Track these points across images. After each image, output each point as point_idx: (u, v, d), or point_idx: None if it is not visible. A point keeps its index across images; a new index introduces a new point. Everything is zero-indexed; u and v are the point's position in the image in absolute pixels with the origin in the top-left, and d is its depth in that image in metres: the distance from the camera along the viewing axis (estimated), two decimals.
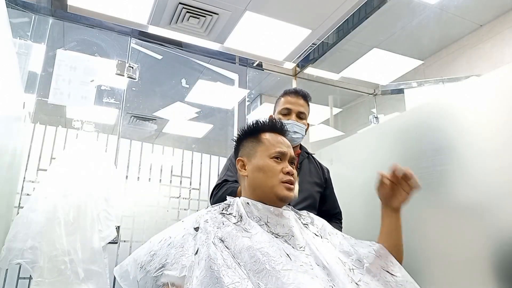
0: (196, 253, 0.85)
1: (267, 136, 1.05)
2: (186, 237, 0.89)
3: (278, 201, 0.99)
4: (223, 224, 0.92)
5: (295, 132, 1.50)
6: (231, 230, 0.90)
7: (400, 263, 0.97)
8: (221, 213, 0.97)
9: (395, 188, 1.02)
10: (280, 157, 1.01)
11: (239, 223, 0.93)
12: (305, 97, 1.55)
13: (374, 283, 0.89)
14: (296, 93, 1.54)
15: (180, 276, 0.81)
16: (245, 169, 1.04)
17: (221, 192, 1.32)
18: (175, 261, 0.84)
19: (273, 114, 1.59)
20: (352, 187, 1.79)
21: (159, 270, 0.85)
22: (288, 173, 0.99)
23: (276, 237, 0.91)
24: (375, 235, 1.05)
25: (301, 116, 1.52)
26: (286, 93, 1.56)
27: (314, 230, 1.00)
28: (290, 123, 1.48)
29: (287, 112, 1.51)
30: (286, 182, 0.98)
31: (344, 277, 0.85)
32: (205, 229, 0.89)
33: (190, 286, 0.78)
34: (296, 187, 1.05)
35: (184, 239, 0.89)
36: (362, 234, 1.11)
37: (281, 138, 1.05)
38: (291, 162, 1.03)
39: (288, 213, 1.00)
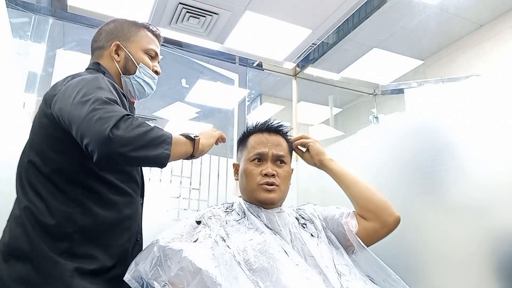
0: (195, 241, 0.88)
1: (251, 139, 1.05)
2: (187, 228, 0.92)
3: (261, 204, 0.99)
4: (226, 223, 0.93)
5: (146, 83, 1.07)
6: (234, 229, 0.92)
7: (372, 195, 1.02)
8: (225, 211, 0.98)
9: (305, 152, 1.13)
10: (259, 158, 1.01)
11: (242, 219, 0.95)
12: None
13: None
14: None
15: (177, 249, 0.81)
16: (237, 174, 1.09)
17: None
18: (176, 243, 0.87)
19: (134, 56, 1.05)
20: None
21: (158, 245, 0.85)
22: (266, 174, 0.98)
23: (274, 234, 0.92)
24: None
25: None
26: (149, 28, 1.11)
27: (311, 230, 1.00)
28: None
29: (153, 55, 1.10)
30: (264, 184, 0.97)
31: (335, 282, 0.86)
32: (208, 225, 0.91)
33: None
34: (285, 185, 1.04)
35: (185, 228, 0.92)
36: None
37: (266, 137, 1.04)
38: (277, 160, 1.02)
39: (282, 214, 1.00)
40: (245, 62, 3.01)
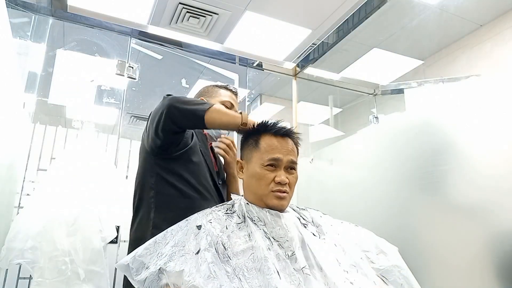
0: (197, 253, 0.86)
1: (265, 141, 1.02)
2: (189, 235, 0.90)
3: (270, 208, 0.99)
4: (227, 228, 0.92)
5: None
6: (234, 235, 0.91)
7: None
8: (225, 213, 0.97)
9: None
10: (274, 164, 0.99)
11: (242, 224, 0.94)
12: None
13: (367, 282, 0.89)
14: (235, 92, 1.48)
15: (179, 271, 0.82)
16: (242, 172, 1.06)
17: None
18: (176, 258, 0.85)
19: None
20: (352, 187, 1.79)
21: (160, 269, 0.85)
22: (279, 183, 0.97)
23: (272, 242, 0.91)
24: (376, 234, 1.06)
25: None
26: (226, 88, 1.48)
27: (313, 229, 1.00)
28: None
29: (229, 106, 1.41)
30: (277, 192, 0.97)
31: (339, 281, 0.85)
32: (209, 231, 0.90)
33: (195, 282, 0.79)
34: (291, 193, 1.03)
35: (186, 237, 0.90)
36: None
37: (280, 142, 1.01)
38: (290, 167, 1.01)
39: (287, 214, 1.00)
40: (245, 62, 3.01)
